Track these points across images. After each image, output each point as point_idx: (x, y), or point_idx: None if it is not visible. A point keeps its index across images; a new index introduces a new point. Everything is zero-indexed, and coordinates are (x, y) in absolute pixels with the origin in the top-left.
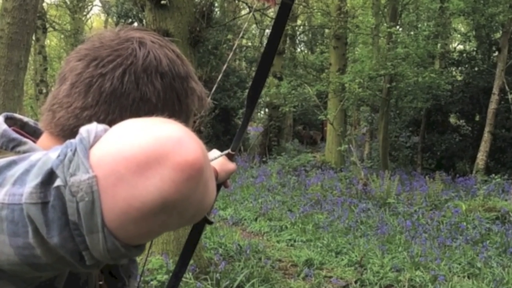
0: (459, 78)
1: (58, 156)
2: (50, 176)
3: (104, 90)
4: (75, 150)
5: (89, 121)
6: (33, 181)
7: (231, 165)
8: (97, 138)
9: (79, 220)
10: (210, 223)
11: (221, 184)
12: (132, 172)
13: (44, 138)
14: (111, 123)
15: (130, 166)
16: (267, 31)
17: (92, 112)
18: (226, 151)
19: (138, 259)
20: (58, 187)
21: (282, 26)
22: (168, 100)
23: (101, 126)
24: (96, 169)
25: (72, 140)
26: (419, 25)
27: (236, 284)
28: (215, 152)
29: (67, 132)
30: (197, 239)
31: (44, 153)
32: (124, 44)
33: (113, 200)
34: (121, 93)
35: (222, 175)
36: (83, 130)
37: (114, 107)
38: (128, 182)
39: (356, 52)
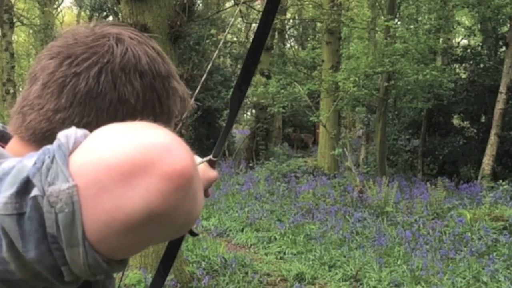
0: (463, 76)
1: (35, 163)
2: (26, 185)
3: (79, 90)
4: (53, 157)
5: (62, 124)
6: (7, 190)
7: (213, 173)
8: (76, 144)
9: (58, 232)
10: (195, 235)
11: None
12: (116, 181)
13: (14, 143)
14: (86, 126)
15: (113, 175)
16: (254, 25)
17: (65, 114)
18: (207, 157)
19: (114, 273)
20: (35, 197)
21: (270, 20)
22: (148, 101)
23: (81, 131)
24: (77, 178)
25: (49, 146)
26: (420, 18)
27: None
28: (195, 159)
29: (39, 136)
30: (177, 250)
31: (18, 160)
32: (100, 41)
33: (95, 212)
34: (97, 93)
35: (205, 182)
36: (62, 135)
37: (90, 109)
38: (111, 192)
39: (351, 48)
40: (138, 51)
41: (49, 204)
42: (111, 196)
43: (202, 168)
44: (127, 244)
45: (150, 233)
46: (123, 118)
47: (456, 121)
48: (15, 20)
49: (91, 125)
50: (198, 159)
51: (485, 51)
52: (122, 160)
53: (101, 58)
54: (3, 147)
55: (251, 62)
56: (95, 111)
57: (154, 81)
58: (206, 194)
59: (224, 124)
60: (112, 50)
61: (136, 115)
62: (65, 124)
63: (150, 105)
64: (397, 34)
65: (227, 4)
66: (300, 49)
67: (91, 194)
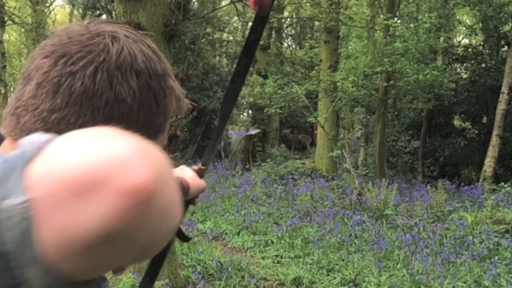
0: (464, 76)
1: None
2: None
3: (75, 90)
4: (12, 166)
5: (57, 124)
6: None
7: (201, 182)
8: (39, 152)
9: (13, 250)
10: (187, 239)
11: (190, 200)
12: (74, 196)
13: (7, 145)
14: (82, 127)
15: (71, 188)
16: (250, 24)
17: (61, 115)
18: (195, 166)
19: (108, 278)
20: None
21: (260, 31)
22: (144, 101)
23: (45, 137)
24: (33, 190)
25: (11, 154)
26: (420, 17)
27: None
28: (183, 169)
29: None
30: (165, 252)
31: None
32: (95, 39)
33: (51, 228)
34: (93, 93)
35: (194, 191)
36: (26, 141)
37: (86, 109)
38: (68, 208)
39: (349, 47)
40: (134, 49)
41: (4, 219)
42: (68, 211)
43: (191, 176)
44: (87, 264)
45: (112, 253)
46: (119, 118)
47: (457, 122)
48: (6, 18)
49: (87, 125)
50: (187, 169)
51: (487, 51)
52: (82, 172)
53: (96, 57)
54: None
55: (240, 72)
56: (91, 111)
57: (151, 80)
58: (193, 203)
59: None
60: (107, 48)
61: (132, 115)
62: (60, 124)
63: (147, 104)
64: (396, 33)
65: (223, 3)
66: (297, 48)
67: (46, 209)
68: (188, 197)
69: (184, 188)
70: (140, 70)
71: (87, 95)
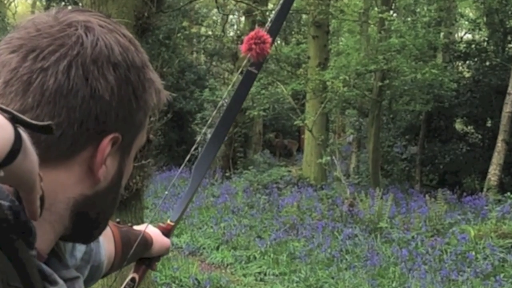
0: (467, 75)
1: None
2: None
3: (47, 87)
4: None
5: None
6: None
7: (166, 240)
8: None
9: None
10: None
11: (149, 263)
12: None
13: None
14: (57, 127)
15: None
16: (231, 17)
17: (33, 115)
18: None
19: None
20: None
21: (245, 92)
22: (123, 96)
23: None
24: None
25: None
26: (418, 10)
27: None
28: (150, 228)
29: None
30: None
31: None
32: (67, 31)
33: None
34: (67, 90)
35: (156, 248)
36: None
37: (60, 108)
38: None
39: (340, 43)
40: (110, 40)
41: None
42: None
43: (155, 233)
44: None
45: None
46: (96, 116)
47: (458, 125)
48: None
49: (62, 126)
50: (151, 228)
51: (492, 47)
52: None
53: (69, 51)
54: None
55: (220, 134)
56: (66, 110)
57: (129, 73)
58: (151, 267)
59: (198, 129)
60: (81, 41)
61: (111, 112)
62: None
63: (126, 100)
64: (392, 28)
65: None
66: (283, 44)
67: None
68: (150, 254)
69: (148, 242)
70: (118, 63)
71: (61, 93)
